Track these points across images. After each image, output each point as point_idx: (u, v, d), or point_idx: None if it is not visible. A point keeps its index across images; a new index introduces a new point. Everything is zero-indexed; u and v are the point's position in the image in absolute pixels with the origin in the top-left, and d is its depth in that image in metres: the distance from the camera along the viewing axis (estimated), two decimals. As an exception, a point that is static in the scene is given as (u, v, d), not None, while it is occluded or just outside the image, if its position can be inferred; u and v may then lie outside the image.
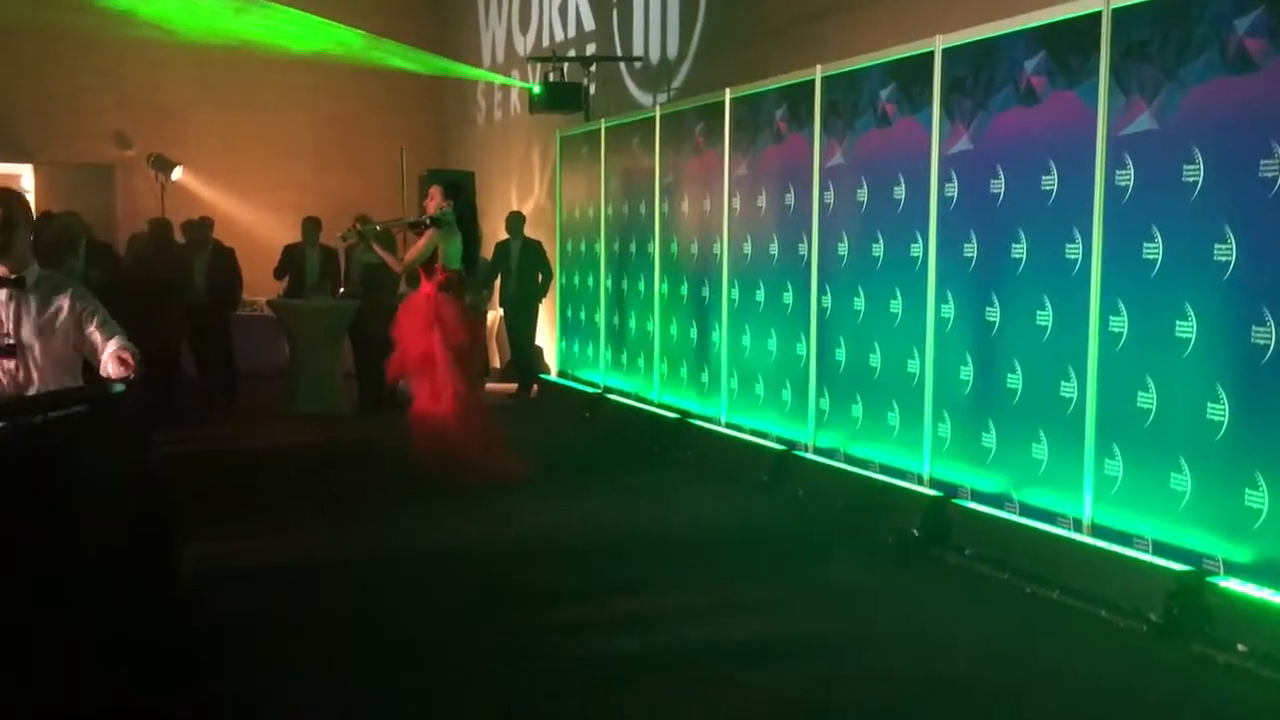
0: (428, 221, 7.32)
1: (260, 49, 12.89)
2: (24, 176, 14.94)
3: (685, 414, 8.47)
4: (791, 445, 7.21)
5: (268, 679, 4.07)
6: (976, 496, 5.72)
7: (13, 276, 3.82)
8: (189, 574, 4.82)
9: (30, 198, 14.32)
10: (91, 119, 13.91)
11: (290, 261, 10.68)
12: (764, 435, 7.52)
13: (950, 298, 5.89)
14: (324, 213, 11.12)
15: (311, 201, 12.68)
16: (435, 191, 7.45)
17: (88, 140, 13.90)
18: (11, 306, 3.83)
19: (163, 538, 3.63)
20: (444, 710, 3.89)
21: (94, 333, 3.89)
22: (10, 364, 3.82)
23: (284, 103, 14.60)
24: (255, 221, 13.85)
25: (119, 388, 3.59)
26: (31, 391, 3.80)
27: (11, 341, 3.80)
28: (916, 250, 6.11)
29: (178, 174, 13.77)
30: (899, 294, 6.27)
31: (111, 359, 3.73)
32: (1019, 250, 5.44)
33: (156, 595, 3.39)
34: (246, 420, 9.78)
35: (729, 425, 7.95)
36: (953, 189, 5.86)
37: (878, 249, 6.43)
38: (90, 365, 3.96)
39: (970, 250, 5.75)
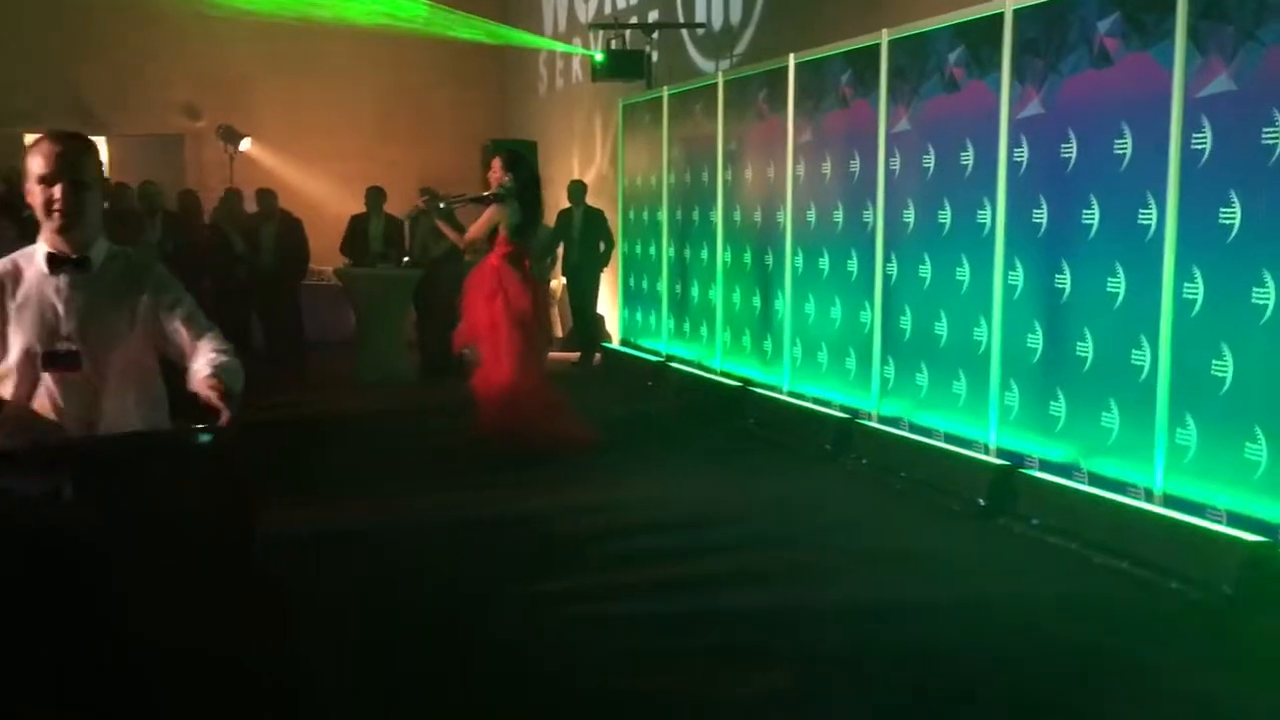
0: (489, 197, 7.41)
1: (325, 20, 13.02)
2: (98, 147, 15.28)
3: (747, 382, 8.46)
4: (855, 414, 7.17)
5: (336, 643, 4.16)
6: (1044, 466, 5.65)
7: (74, 256, 2.81)
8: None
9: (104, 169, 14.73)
10: (162, 91, 14.14)
11: (354, 231, 10.81)
12: (827, 404, 7.49)
13: (1019, 265, 5.81)
14: (388, 183, 11.21)
15: (375, 171, 12.79)
16: (496, 163, 7.53)
17: (159, 112, 14.13)
18: (74, 299, 2.80)
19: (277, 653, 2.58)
20: (501, 674, 3.94)
21: (179, 329, 2.90)
22: (74, 377, 2.79)
23: (348, 74, 14.72)
24: (320, 192, 14.01)
25: (205, 437, 2.54)
26: (102, 421, 2.81)
27: (73, 347, 2.78)
28: (984, 217, 6.02)
29: (246, 144, 13.98)
30: (966, 261, 6.19)
31: (202, 385, 2.73)
32: (1090, 216, 5.34)
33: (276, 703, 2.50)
34: (314, 388, 9.95)
35: (791, 394, 7.93)
36: (1022, 154, 5.76)
37: (944, 216, 6.35)
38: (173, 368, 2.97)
39: (1040, 216, 5.65)
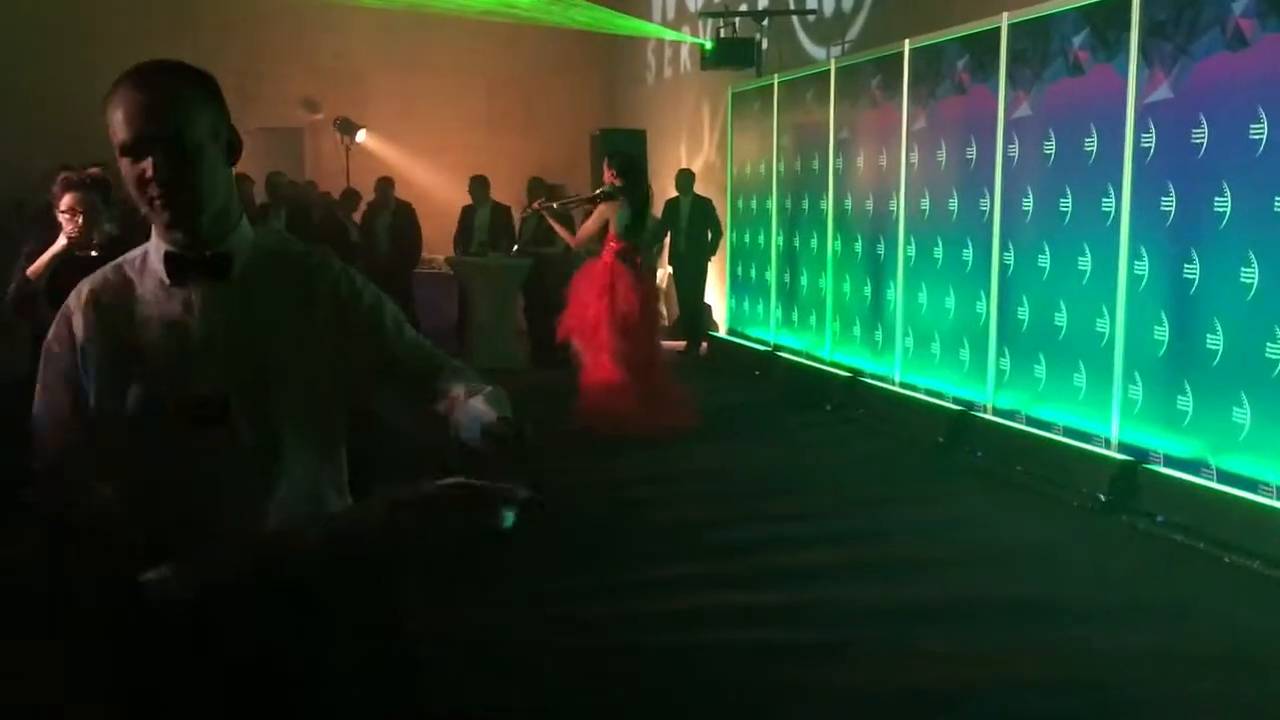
0: (599, 195, 7.59)
1: (438, 12, 13.23)
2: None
3: (858, 373, 8.37)
4: (969, 406, 7.04)
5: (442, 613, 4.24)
6: (1170, 462, 5.48)
7: (208, 254, 1.84)
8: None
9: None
10: (283, 85, 14.53)
11: (463, 220, 11.00)
12: (939, 395, 7.37)
13: (1145, 254, 5.63)
14: (497, 172, 11.37)
15: (486, 162, 12.96)
16: (609, 173, 7.72)
17: (279, 106, 14.53)
18: (210, 320, 1.85)
19: None
20: (605, 660, 3.98)
21: (408, 357, 1.98)
22: (221, 438, 1.82)
23: (460, 65, 14.94)
24: (431, 181, 14.26)
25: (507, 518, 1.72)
26: (273, 507, 1.85)
27: (212, 395, 1.82)
28: (1108, 205, 5.85)
29: (362, 136, 14.30)
30: (1088, 250, 6.02)
31: (493, 425, 1.84)
32: (1222, 204, 5.15)
33: None
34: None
35: (903, 385, 7.82)
36: (1150, 140, 5.58)
37: (1066, 204, 6.18)
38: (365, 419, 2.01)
39: (1168, 204, 5.47)
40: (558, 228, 8.10)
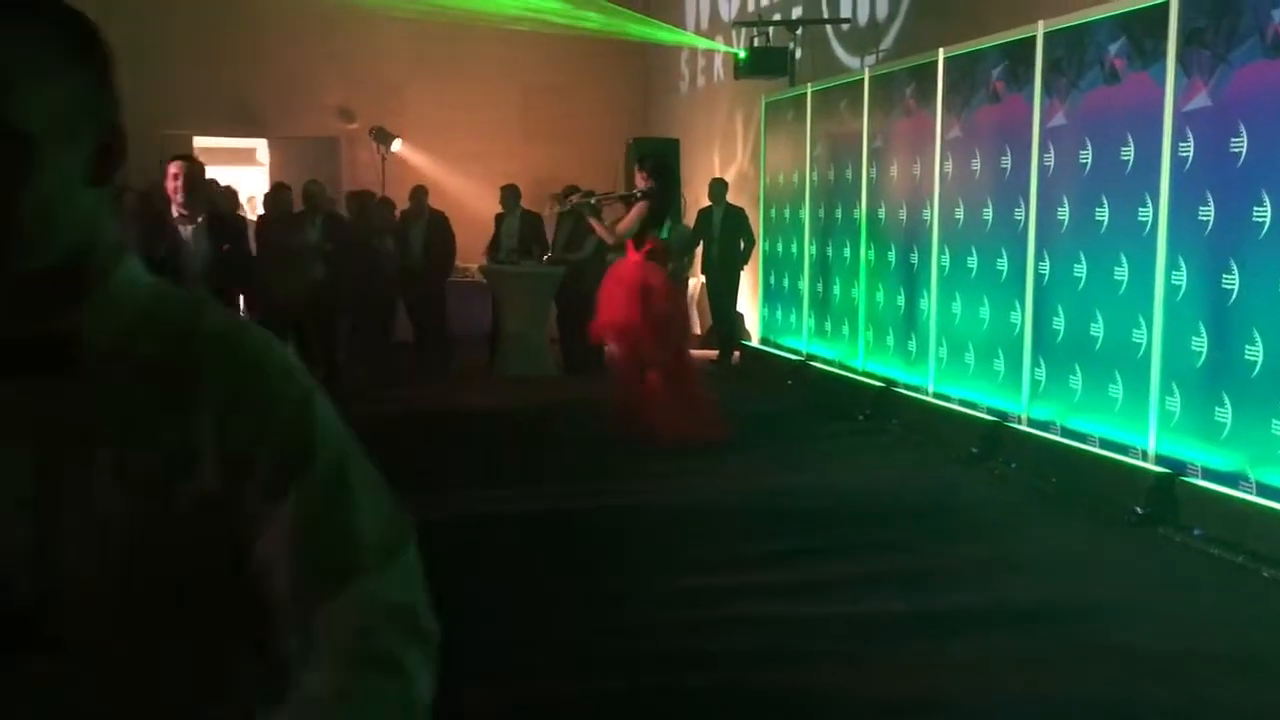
0: (638, 195, 7.54)
1: (473, 23, 13.31)
2: (259, 149, 15.96)
3: (891, 382, 8.33)
4: (1003, 416, 6.99)
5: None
6: (1208, 474, 5.41)
7: (30, 334, 1.00)
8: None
9: (265, 170, 15.37)
10: (319, 94, 14.67)
11: (496, 230, 11.06)
12: (973, 405, 7.31)
13: (1182, 264, 5.57)
14: (531, 181, 11.44)
15: (520, 170, 13.03)
16: (641, 176, 7.73)
17: (316, 115, 14.67)
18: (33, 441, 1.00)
19: None
20: (616, 668, 3.97)
21: (277, 552, 1.03)
22: (41, 678, 0.99)
23: (494, 74, 15.02)
24: (466, 190, 14.33)
25: None
26: None
27: (23, 606, 0.98)
28: (1145, 214, 5.79)
29: (397, 145, 14.41)
30: (1124, 260, 5.96)
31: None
32: (1262, 214, 5.09)
33: None
34: (459, 381, 10.19)
35: (937, 395, 7.77)
36: (1188, 148, 5.52)
37: (1102, 213, 6.13)
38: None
39: (1206, 214, 5.41)
40: (597, 226, 8.07)
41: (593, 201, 8.41)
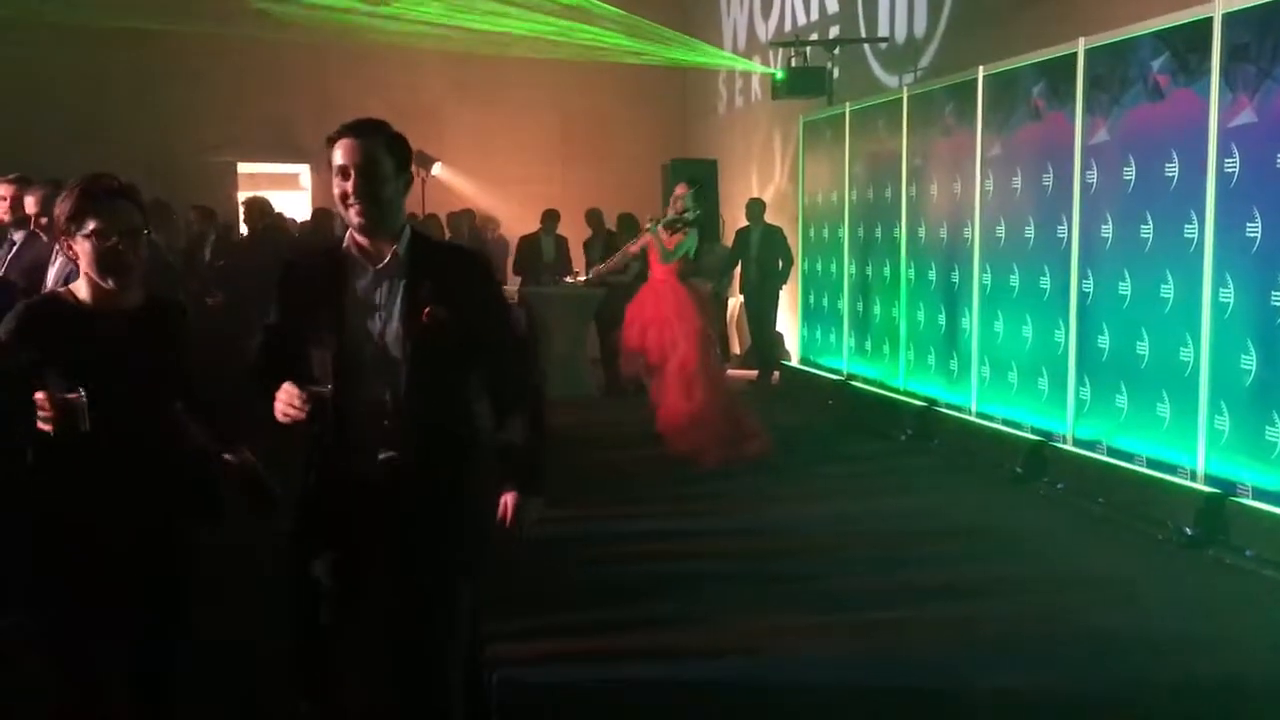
0: (688, 220, 7.72)
1: (511, 48, 13.43)
2: (302, 175, 16.17)
3: (932, 402, 8.27)
4: (1048, 436, 6.91)
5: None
6: (1259, 494, 5.32)
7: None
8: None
9: (308, 195, 15.56)
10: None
11: (528, 249, 11.26)
12: (1017, 425, 7.25)
13: (1230, 281, 5.50)
14: (569, 203, 11.55)
15: (558, 194, 13.10)
16: (682, 189, 7.94)
17: (357, 140, 14.82)
18: None
19: None
20: (675, 685, 3.96)
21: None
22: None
23: (532, 99, 15.14)
24: (505, 213, 14.42)
25: None
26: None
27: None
28: (1191, 231, 5.73)
29: (437, 169, 14.54)
30: (1170, 278, 5.90)
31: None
32: (1311, 229, 5.02)
33: None
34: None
35: (979, 414, 7.71)
36: (1234, 164, 5.45)
37: (1146, 230, 6.07)
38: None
39: (1254, 230, 5.34)
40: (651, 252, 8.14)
41: (662, 223, 8.41)
